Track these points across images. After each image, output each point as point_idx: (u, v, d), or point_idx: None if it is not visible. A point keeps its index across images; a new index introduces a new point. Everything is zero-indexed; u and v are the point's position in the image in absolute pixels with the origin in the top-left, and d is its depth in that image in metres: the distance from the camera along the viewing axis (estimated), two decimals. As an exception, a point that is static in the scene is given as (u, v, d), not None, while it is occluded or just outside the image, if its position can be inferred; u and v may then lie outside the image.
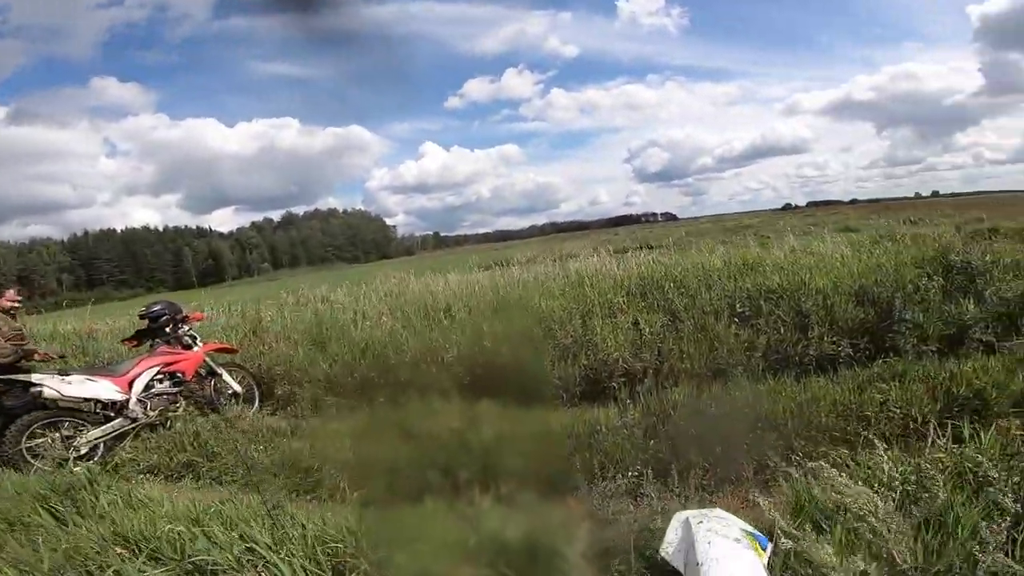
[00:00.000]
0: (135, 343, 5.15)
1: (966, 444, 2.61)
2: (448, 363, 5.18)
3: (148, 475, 4.05)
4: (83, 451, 4.32)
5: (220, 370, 5.23)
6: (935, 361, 4.21)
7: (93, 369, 4.78)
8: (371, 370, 5.27)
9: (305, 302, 9.55)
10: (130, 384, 4.62)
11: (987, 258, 5.75)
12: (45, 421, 4.33)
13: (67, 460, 4.07)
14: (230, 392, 5.22)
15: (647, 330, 5.13)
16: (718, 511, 2.02)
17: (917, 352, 4.67)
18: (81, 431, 4.40)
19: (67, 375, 4.45)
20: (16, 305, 4.88)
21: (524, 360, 4.94)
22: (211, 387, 5.13)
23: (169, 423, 4.63)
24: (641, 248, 8.48)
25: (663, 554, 1.75)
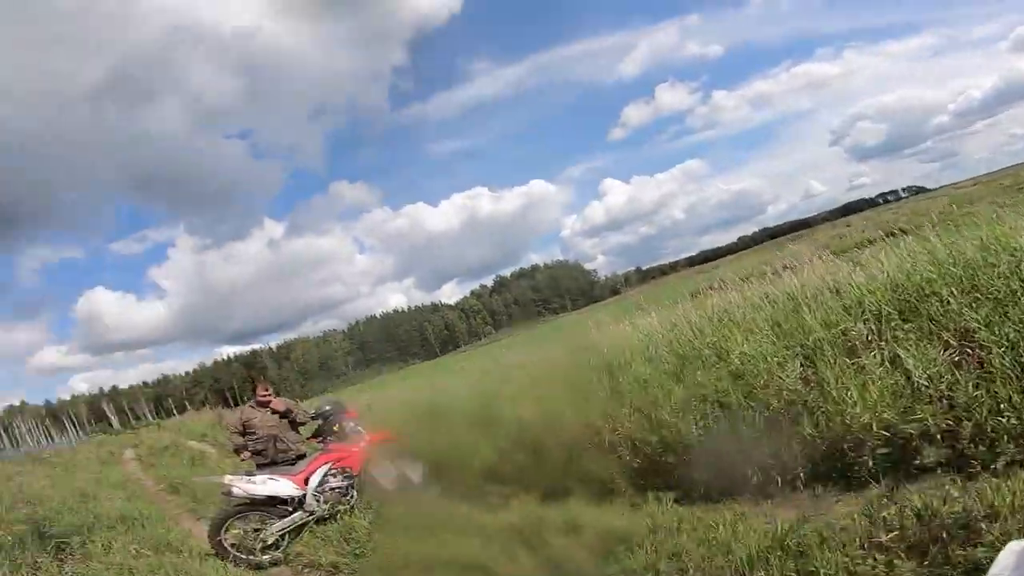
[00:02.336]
0: (317, 440, 5.54)
1: None
2: (613, 443, 4.11)
3: (310, 569, 4.46)
4: (269, 541, 4.77)
5: (386, 459, 5.40)
6: None
7: (276, 469, 5.16)
8: (527, 454, 4.53)
9: (489, 371, 9.29)
10: (305, 480, 4.98)
11: None
12: (237, 515, 4.83)
13: (255, 550, 4.68)
14: (394, 477, 5.32)
15: (919, 372, 3.16)
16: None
17: None
18: (268, 523, 4.83)
19: (253, 475, 4.92)
20: (267, 397, 5.41)
21: (716, 437, 3.58)
22: (378, 476, 5.31)
23: (339, 515, 4.92)
24: (888, 236, 5.65)
25: None
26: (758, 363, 3.88)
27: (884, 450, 3.16)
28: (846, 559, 2.10)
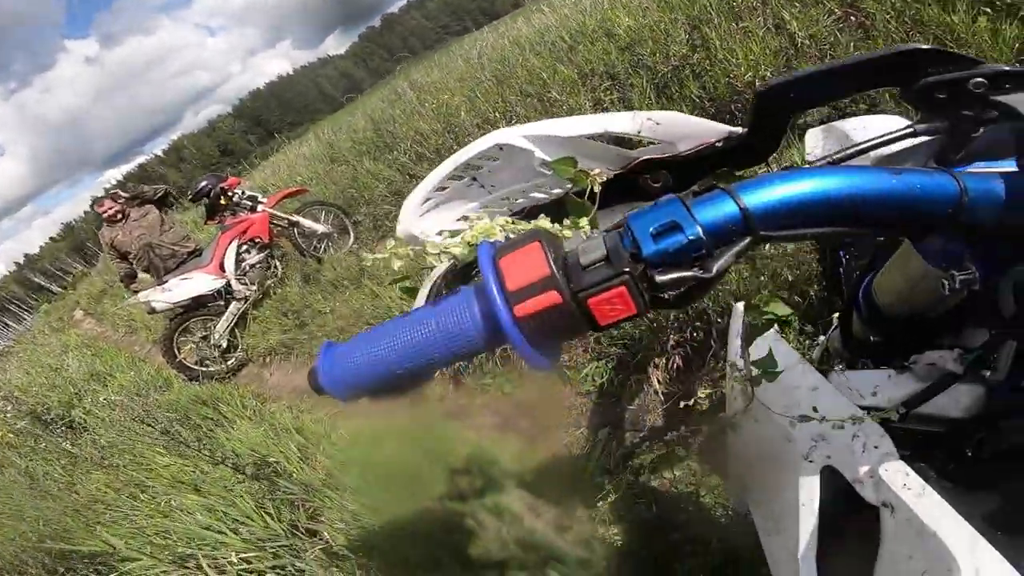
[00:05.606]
0: (214, 222, 4.87)
1: None
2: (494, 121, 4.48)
3: (269, 357, 4.31)
4: (223, 344, 4.50)
5: (296, 217, 4.83)
6: None
7: (184, 267, 4.62)
8: (432, 153, 4.84)
9: (391, 99, 7.24)
10: (221, 267, 4.54)
11: None
12: (177, 331, 4.49)
13: (216, 358, 4.43)
14: (318, 234, 4.89)
15: (802, 32, 2.91)
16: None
17: None
18: (211, 326, 4.54)
19: (165, 283, 4.44)
20: (110, 210, 4.56)
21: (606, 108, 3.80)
22: (295, 237, 4.82)
23: (271, 291, 4.69)
24: None
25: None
26: (644, 34, 3.82)
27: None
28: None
